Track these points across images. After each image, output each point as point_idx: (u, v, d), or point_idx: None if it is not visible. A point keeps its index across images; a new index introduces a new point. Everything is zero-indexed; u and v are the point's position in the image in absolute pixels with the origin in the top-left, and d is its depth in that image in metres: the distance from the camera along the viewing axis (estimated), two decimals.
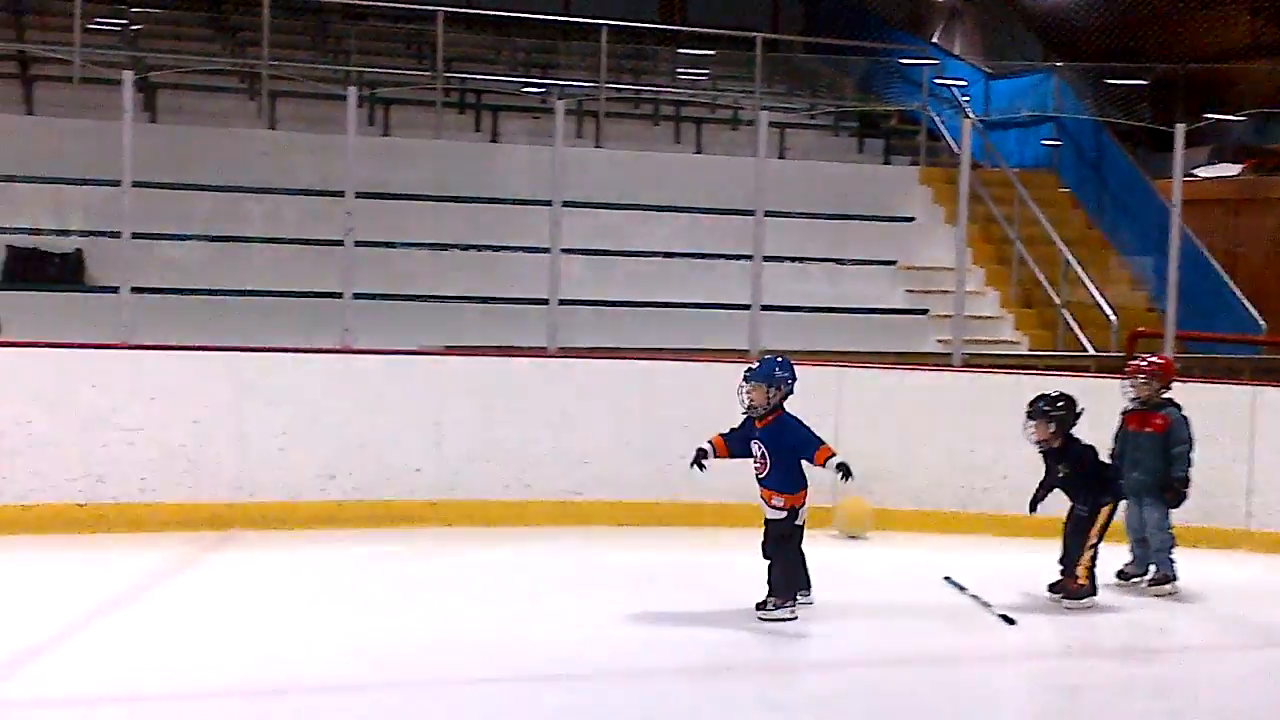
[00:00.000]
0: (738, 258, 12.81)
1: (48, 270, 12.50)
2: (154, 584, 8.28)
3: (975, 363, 11.63)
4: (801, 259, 14.61)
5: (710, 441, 8.03)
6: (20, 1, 17.16)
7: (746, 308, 11.00)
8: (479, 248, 13.88)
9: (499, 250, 13.73)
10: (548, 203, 10.81)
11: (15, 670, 6.53)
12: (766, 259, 11.13)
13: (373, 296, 11.45)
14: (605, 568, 9.15)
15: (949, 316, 12.48)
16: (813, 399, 9.87)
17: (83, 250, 12.69)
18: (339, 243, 10.47)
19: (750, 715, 6.43)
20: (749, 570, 7.95)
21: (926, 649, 7.57)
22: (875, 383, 10.76)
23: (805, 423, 7.94)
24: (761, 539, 7.92)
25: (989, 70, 18.99)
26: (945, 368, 11.28)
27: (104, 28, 16.41)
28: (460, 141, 15.68)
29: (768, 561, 7.87)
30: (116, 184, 10.12)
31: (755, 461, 7.94)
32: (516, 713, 6.30)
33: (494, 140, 16.21)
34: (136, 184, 10.08)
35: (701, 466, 8.02)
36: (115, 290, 10.19)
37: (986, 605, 8.27)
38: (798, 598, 7.91)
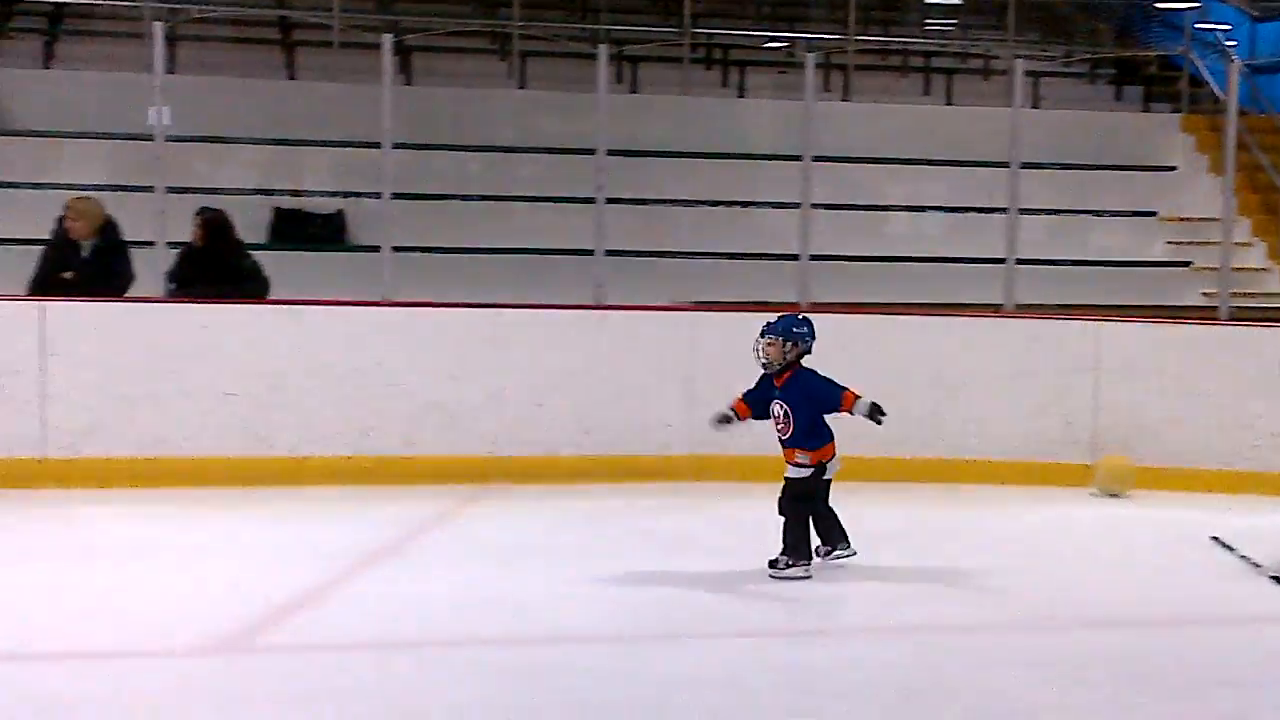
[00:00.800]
0: (990, 211, 12.55)
1: (311, 230, 12.91)
2: (417, 536, 8.50)
3: (1242, 316, 11.19)
4: (1057, 211, 14.25)
5: (732, 406, 7.80)
6: None
7: (1000, 261, 10.77)
8: (727, 203, 13.88)
9: (746, 206, 13.70)
10: (795, 158, 10.73)
11: (284, 619, 6.75)
12: (1021, 212, 10.88)
13: (623, 253, 11.53)
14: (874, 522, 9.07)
15: (1213, 269, 12.03)
16: (1070, 354, 9.61)
17: (344, 211, 13.07)
18: (590, 200, 10.58)
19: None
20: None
21: (1192, 610, 7.33)
22: (1136, 337, 10.42)
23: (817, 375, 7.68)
24: (779, 495, 7.65)
25: (1254, 13, 18.15)
26: (1211, 320, 10.87)
27: None
28: (707, 97, 15.68)
29: (782, 519, 7.60)
30: (376, 146, 10.39)
31: (777, 423, 7.67)
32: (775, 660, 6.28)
33: (741, 95, 16.16)
34: (395, 145, 10.33)
35: (727, 421, 7.79)
36: (375, 249, 10.47)
37: (1257, 566, 7.96)
38: (838, 550, 7.69)
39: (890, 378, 9.98)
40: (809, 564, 7.59)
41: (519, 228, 13.23)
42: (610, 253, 10.54)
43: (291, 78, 15.16)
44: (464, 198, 13.42)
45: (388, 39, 10.41)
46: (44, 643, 6.34)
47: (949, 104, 16.38)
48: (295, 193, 13.12)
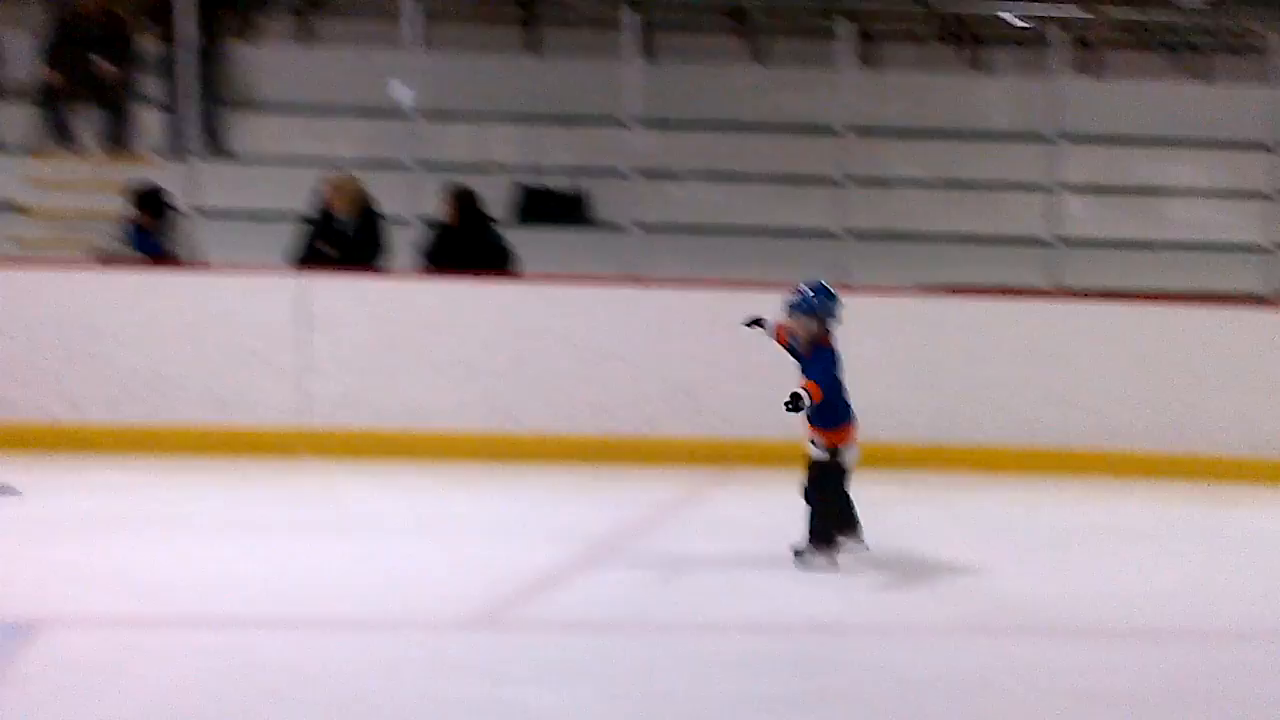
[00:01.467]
0: (1252, 195, 12.10)
1: (555, 208, 13.07)
2: (665, 516, 8.55)
3: None
4: None
5: (776, 325, 7.36)
6: None
7: (1262, 249, 10.39)
8: (969, 184, 13.63)
9: (990, 187, 13.44)
10: (1042, 138, 10.49)
11: (537, 595, 6.86)
12: None
13: (863, 234, 11.43)
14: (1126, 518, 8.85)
15: None
16: None
17: (588, 189, 13.20)
18: (830, 179, 10.49)
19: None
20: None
21: None
22: None
23: (838, 358, 7.24)
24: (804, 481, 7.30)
25: None
26: None
27: None
28: (950, 75, 15.42)
29: (806, 505, 7.26)
30: (619, 124, 10.47)
31: None
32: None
33: (984, 72, 15.85)
34: (639, 123, 10.38)
35: (758, 324, 7.44)
36: (619, 227, 10.56)
37: None
38: (850, 543, 7.27)
39: (1152, 369, 9.71)
40: (833, 550, 7.23)
41: (759, 206, 13.18)
42: (850, 232, 10.45)
43: (537, 55, 15.34)
44: (705, 176, 13.43)
45: (631, 16, 10.45)
46: (305, 611, 6.55)
47: (1205, 83, 15.81)
48: (540, 170, 13.29)
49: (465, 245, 10.33)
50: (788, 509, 8.74)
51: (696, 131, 13.71)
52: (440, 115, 11.82)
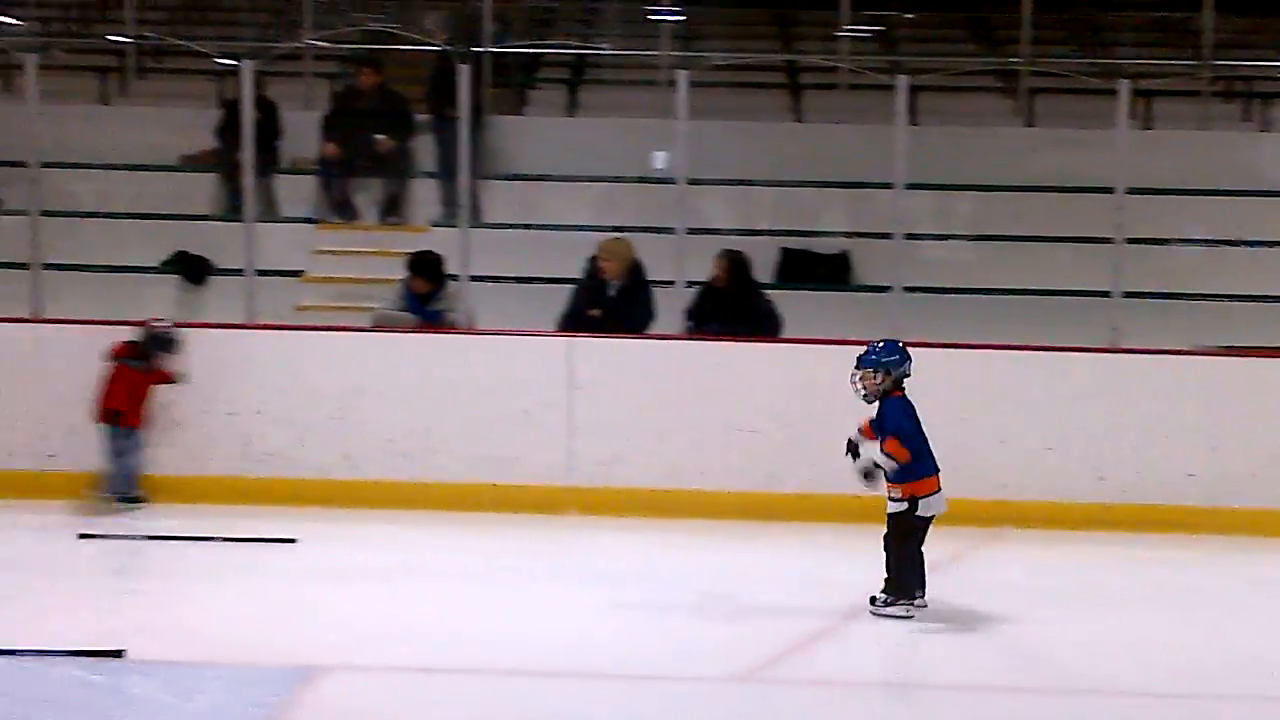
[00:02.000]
0: None
1: (817, 270, 13.05)
2: (929, 577, 8.43)
3: None
4: None
5: (860, 429, 7.61)
6: (787, 14, 18.06)
7: None
8: (1250, 243, 13.15)
9: (1273, 245, 12.95)
10: None
11: (799, 651, 6.82)
12: None
13: (1140, 295, 11.11)
14: None
15: None
16: None
17: (849, 251, 13.15)
18: (1105, 240, 10.26)
19: None
20: None
21: None
22: None
23: (912, 409, 7.49)
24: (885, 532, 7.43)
25: None
26: None
27: (866, 34, 16.93)
28: (1228, 131, 14.93)
29: (885, 555, 7.39)
30: (883, 186, 10.42)
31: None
32: None
33: (1265, 129, 15.31)
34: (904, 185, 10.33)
35: (855, 455, 7.54)
36: (882, 289, 10.49)
37: None
38: (901, 603, 7.33)
39: None
40: (912, 603, 7.37)
41: (1028, 267, 12.93)
42: (1126, 294, 10.20)
43: (798, 120, 15.42)
44: (971, 237, 13.27)
45: (903, 80, 10.43)
46: (575, 663, 6.64)
47: None
48: (802, 233, 13.29)
49: (732, 308, 10.37)
50: (1051, 570, 8.58)
51: (961, 192, 13.59)
52: (704, 180, 11.93)
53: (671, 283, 10.20)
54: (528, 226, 12.91)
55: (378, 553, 8.66)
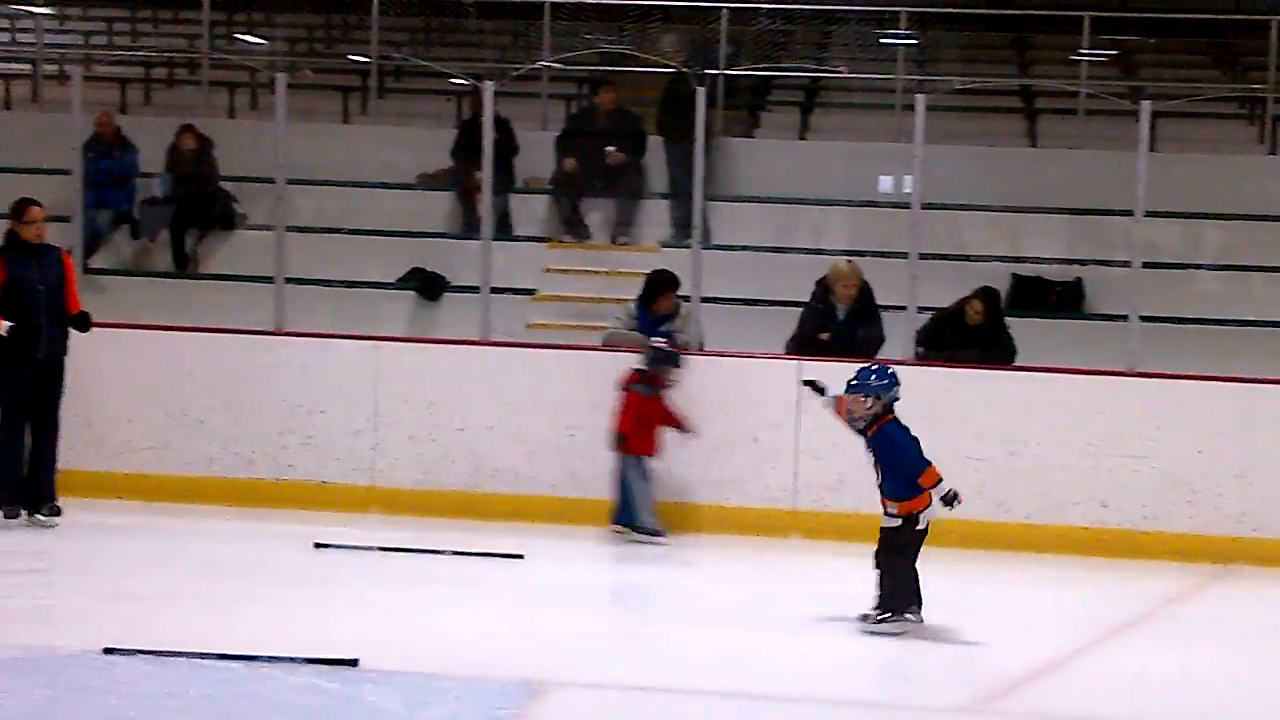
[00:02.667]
0: None
1: (1049, 298, 12.78)
2: (1159, 611, 8.21)
3: None
4: None
5: (835, 395, 7.63)
6: (1023, 37, 17.76)
7: None
8: None
9: None
10: None
11: (1024, 685, 6.68)
12: None
13: None
14: None
15: None
16: None
17: (1082, 279, 12.85)
18: None
19: None
20: None
21: None
22: None
23: (909, 433, 7.46)
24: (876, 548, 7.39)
25: None
26: None
27: (1103, 58, 16.54)
28: None
29: (877, 571, 7.36)
30: (1121, 213, 10.17)
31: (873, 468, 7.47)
32: None
33: None
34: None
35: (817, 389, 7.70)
36: (1115, 318, 10.24)
37: None
38: (908, 615, 7.18)
39: None
40: (905, 619, 7.30)
41: (1267, 299, 12.48)
42: None
43: (1033, 145, 15.13)
44: (1213, 267, 12.86)
45: (1146, 107, 10.16)
46: (804, 688, 6.60)
47: None
48: (1034, 260, 13.03)
49: (979, 342, 10.26)
50: None
51: (1200, 220, 13.18)
52: (937, 205, 11.79)
53: (902, 308, 10.09)
54: (758, 249, 12.91)
55: (603, 570, 8.75)
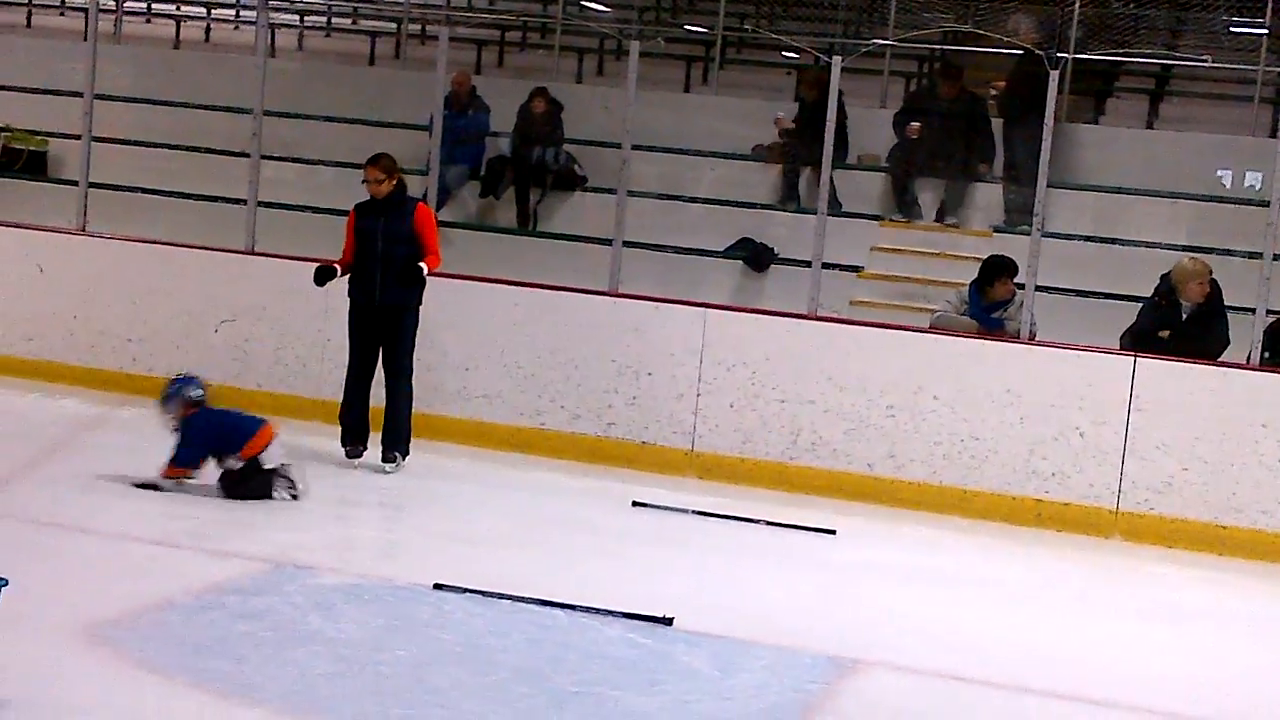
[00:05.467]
0: None
1: None
2: None
3: None
4: None
5: None
6: None
7: None
8: None
9: None
10: None
11: None
12: None
13: None
14: None
15: None
16: None
17: None
18: None
19: None
20: None
21: None
22: None
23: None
24: None
25: None
26: None
27: None
28: None
29: None
30: None
31: None
32: None
33: None
34: None
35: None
36: None
37: None
38: None
39: None
40: None
41: None
42: None
43: None
44: None
45: None
46: (1105, 690, 6.47)
47: None
48: None
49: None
50: None
51: None
52: None
53: (1251, 310, 9.67)
54: (1098, 239, 12.57)
55: (917, 554, 8.70)
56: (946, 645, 6.99)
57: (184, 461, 8.44)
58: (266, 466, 8.48)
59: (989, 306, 10.16)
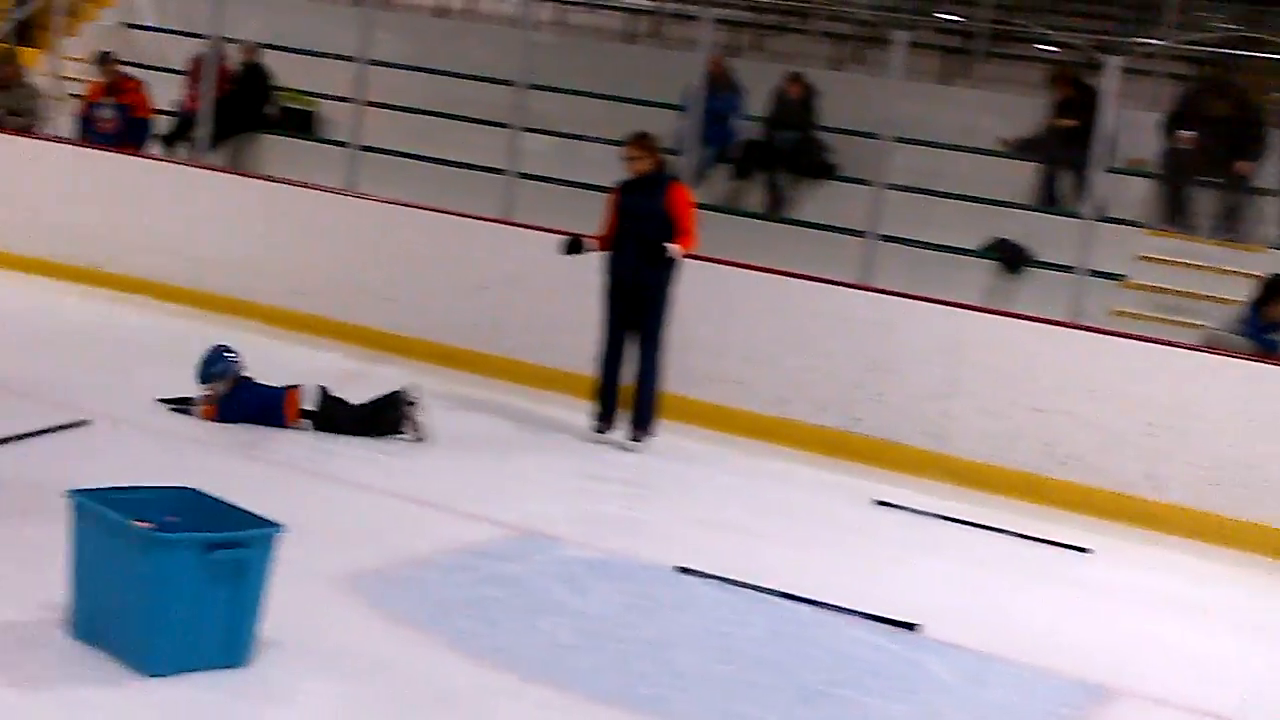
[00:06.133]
0: None
1: None
2: None
3: None
4: None
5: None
6: None
7: None
8: None
9: None
10: None
11: None
12: None
13: None
14: None
15: None
16: None
17: None
18: None
19: None
20: None
21: None
22: None
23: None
24: None
25: None
26: None
27: None
28: None
29: None
30: None
31: None
32: None
33: None
34: None
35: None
36: None
37: None
38: None
39: None
40: None
41: None
42: None
43: None
44: None
45: None
46: None
47: None
48: None
49: None
50: None
51: None
52: None
53: None
54: None
55: (1176, 582, 8.36)
56: (1206, 681, 6.70)
57: (225, 421, 8.55)
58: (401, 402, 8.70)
59: (1267, 327, 9.69)
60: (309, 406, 8.55)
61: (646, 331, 9.52)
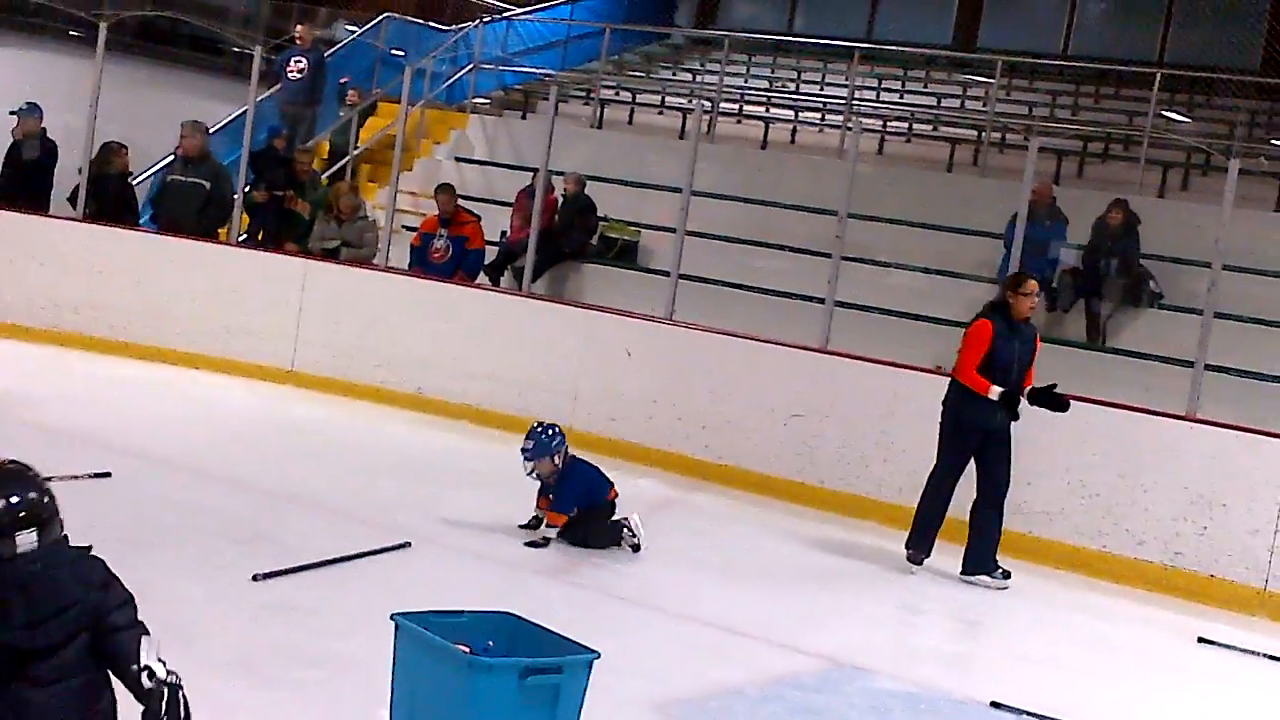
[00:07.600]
0: None
1: None
2: None
3: None
4: None
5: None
6: None
7: None
8: None
9: None
10: None
11: None
12: None
13: None
14: None
15: None
16: None
17: None
18: None
19: None
20: None
21: None
22: None
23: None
24: None
25: None
26: None
27: None
28: None
29: None
30: None
31: None
32: None
33: None
34: None
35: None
36: None
37: None
38: None
39: None
40: None
41: None
42: None
43: None
44: None
45: None
46: None
47: None
48: None
49: None
50: None
51: None
52: None
53: None
54: None
55: None
56: None
57: (566, 509, 8.70)
58: (615, 518, 8.82)
59: None
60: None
61: (1000, 475, 9.38)
